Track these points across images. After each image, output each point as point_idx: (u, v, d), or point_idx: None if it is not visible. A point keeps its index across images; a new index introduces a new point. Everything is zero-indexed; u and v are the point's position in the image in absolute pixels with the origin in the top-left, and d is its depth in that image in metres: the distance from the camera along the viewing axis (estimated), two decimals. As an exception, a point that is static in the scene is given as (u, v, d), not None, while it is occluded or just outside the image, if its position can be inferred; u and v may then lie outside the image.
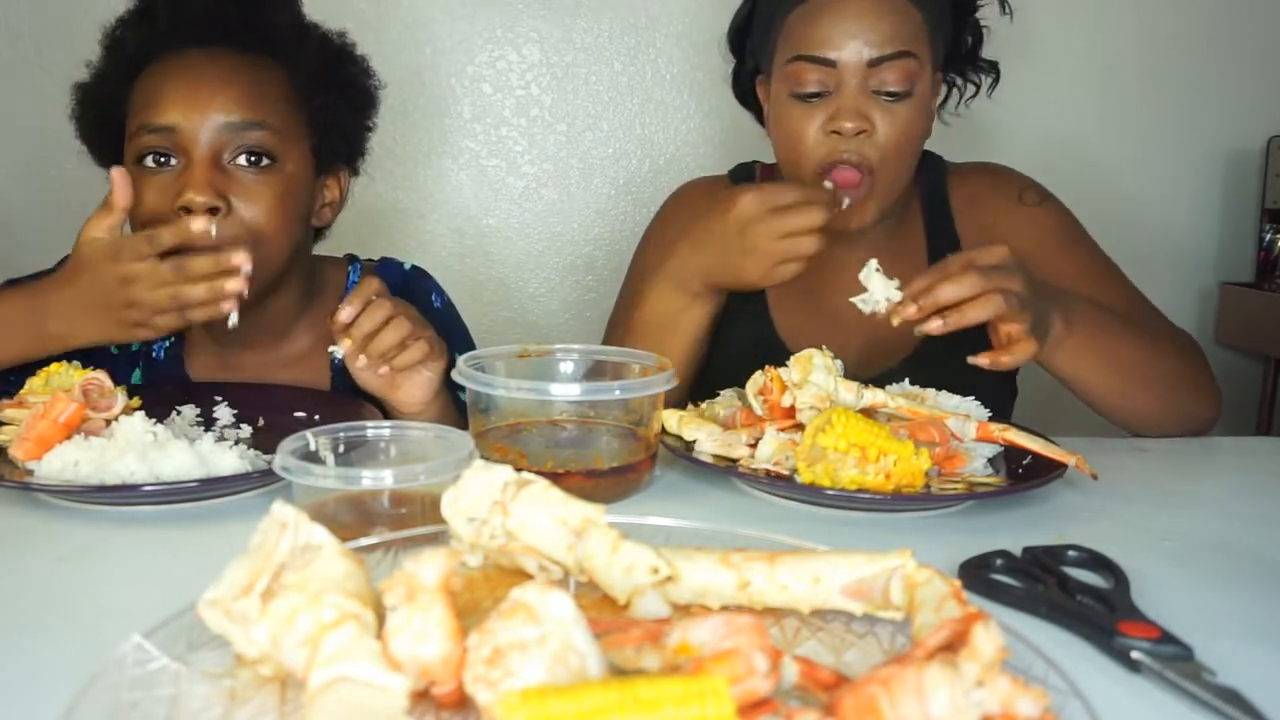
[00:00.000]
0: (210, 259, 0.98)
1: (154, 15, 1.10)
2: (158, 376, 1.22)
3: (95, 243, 0.99)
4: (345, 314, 0.98)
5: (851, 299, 0.96)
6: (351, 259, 1.31)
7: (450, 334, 1.26)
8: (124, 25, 1.13)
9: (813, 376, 0.94)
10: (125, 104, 1.10)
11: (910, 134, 1.14)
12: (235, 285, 0.98)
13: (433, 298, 1.31)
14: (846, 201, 1.11)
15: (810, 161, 1.14)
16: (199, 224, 0.98)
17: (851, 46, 1.10)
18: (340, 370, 1.18)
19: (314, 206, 1.17)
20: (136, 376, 1.22)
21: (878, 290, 0.94)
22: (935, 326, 0.91)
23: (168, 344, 1.22)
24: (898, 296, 0.93)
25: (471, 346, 1.31)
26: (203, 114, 1.04)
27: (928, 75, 1.15)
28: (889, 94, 1.11)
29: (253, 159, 1.06)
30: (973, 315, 0.90)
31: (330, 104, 1.14)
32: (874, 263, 0.95)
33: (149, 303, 0.98)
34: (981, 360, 0.94)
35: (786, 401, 0.95)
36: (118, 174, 1.01)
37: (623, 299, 1.38)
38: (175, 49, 1.08)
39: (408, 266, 1.32)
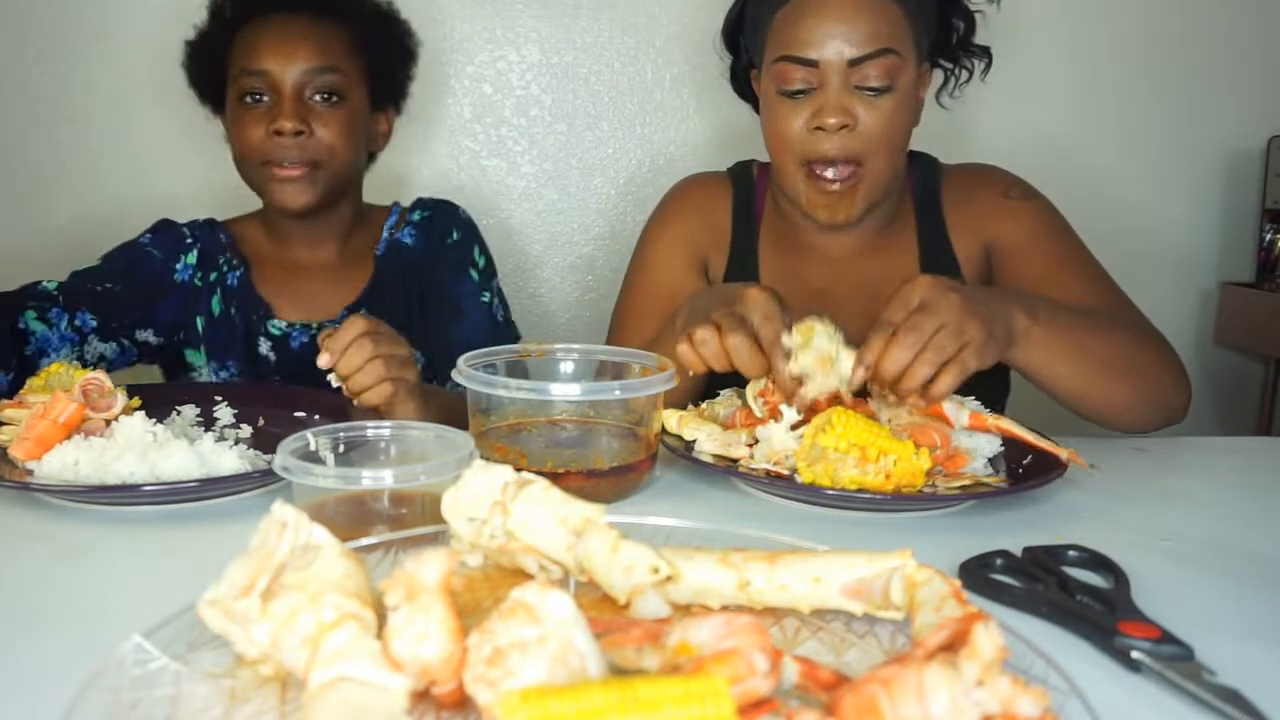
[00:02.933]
0: None
1: None
2: (233, 297, 1.41)
3: None
4: (323, 361, 1.03)
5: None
6: (396, 204, 1.53)
7: (474, 232, 1.53)
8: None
9: (814, 340, 0.93)
10: (226, 56, 1.36)
11: (894, 126, 1.17)
12: None
13: (458, 213, 1.53)
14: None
15: (795, 155, 1.18)
16: None
17: (832, 46, 1.13)
18: (380, 260, 1.46)
19: (371, 133, 1.43)
20: (217, 304, 1.41)
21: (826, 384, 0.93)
22: (893, 399, 0.93)
23: (239, 271, 1.42)
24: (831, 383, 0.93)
25: (486, 247, 1.53)
26: (290, 60, 1.31)
27: (911, 69, 1.17)
28: (871, 89, 1.14)
29: (326, 96, 1.32)
30: (913, 380, 0.89)
31: (381, 56, 1.42)
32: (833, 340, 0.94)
33: None
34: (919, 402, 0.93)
35: (792, 367, 0.94)
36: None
37: (623, 295, 1.39)
38: (265, 13, 1.35)
39: (461, 214, 1.54)
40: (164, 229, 1.44)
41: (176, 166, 2.01)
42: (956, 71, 1.31)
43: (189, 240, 1.43)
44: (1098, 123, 2.14)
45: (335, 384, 1.05)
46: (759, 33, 1.22)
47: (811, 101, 1.16)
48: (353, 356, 1.04)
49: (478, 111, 2.06)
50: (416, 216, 1.51)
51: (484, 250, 1.53)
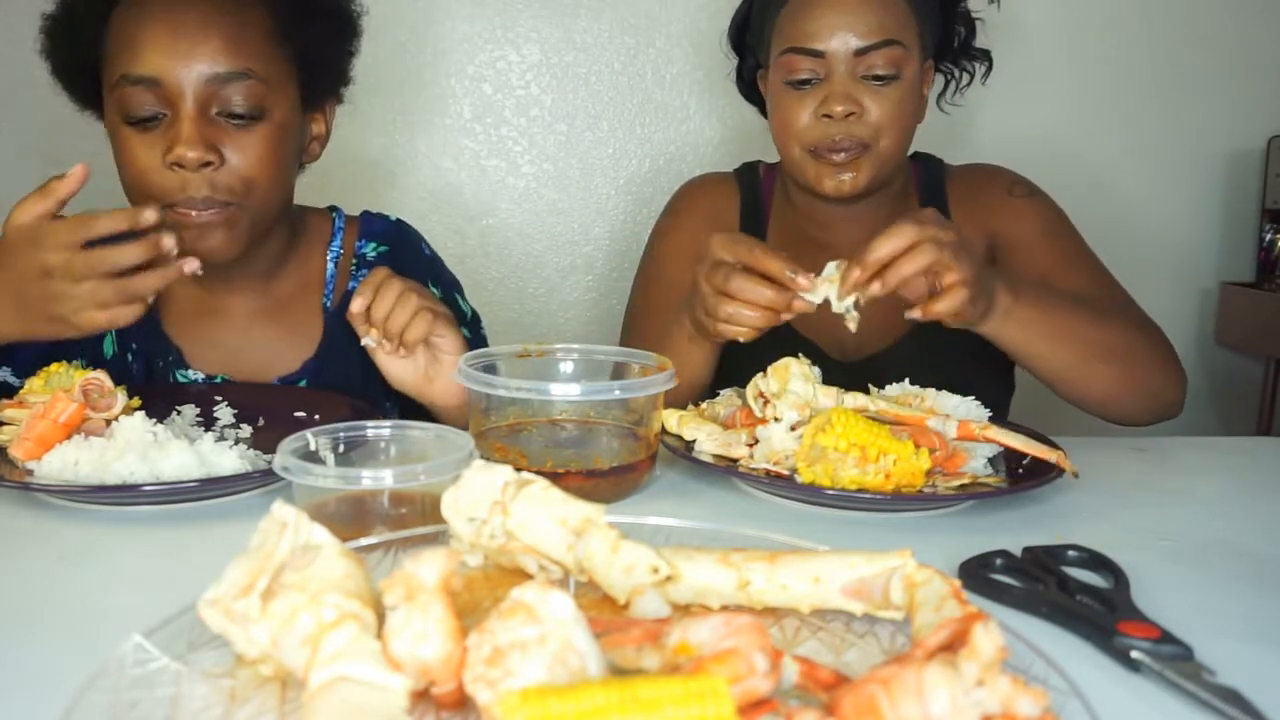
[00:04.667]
0: (138, 247, 0.91)
1: None
2: (133, 337, 1.16)
3: (21, 229, 0.91)
4: (358, 304, 0.98)
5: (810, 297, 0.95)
6: (333, 209, 1.29)
7: (439, 278, 1.28)
8: None
9: (791, 385, 0.94)
10: (99, 43, 1.05)
11: (900, 112, 1.19)
12: (153, 282, 0.91)
13: (422, 246, 1.32)
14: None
15: (803, 143, 1.20)
16: (149, 215, 0.92)
17: (839, 38, 1.16)
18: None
19: (303, 144, 1.15)
20: (109, 345, 1.17)
21: (814, 296, 0.94)
22: (875, 289, 0.92)
23: None
24: (827, 294, 0.94)
25: (459, 289, 1.32)
26: (187, 65, 1.00)
27: (915, 61, 1.20)
28: (877, 77, 1.17)
29: (239, 109, 1.03)
30: (907, 268, 0.91)
31: (315, 38, 1.10)
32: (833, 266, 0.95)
33: (68, 297, 0.90)
34: (915, 313, 0.94)
35: (770, 412, 0.95)
36: (80, 167, 0.93)
37: (635, 296, 1.40)
38: None
39: (392, 218, 1.31)
40: None
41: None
42: (958, 75, 1.33)
43: None
44: (1097, 123, 2.14)
45: (371, 340, 1.00)
46: (765, 30, 1.24)
47: (818, 91, 1.18)
48: (385, 294, 0.98)
49: (478, 111, 2.06)
50: (371, 253, 1.25)
51: (461, 292, 1.30)
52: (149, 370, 1.16)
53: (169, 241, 0.93)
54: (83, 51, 1.06)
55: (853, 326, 0.95)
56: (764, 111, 1.34)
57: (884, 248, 0.92)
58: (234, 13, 1.03)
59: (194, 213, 1.02)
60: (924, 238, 0.91)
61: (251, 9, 1.05)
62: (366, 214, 1.30)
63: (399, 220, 1.31)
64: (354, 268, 1.24)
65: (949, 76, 1.33)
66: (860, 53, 1.16)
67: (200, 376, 1.17)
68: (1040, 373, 1.07)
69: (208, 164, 1.01)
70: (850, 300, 0.93)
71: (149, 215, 0.92)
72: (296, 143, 1.12)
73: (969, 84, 1.34)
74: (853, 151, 1.18)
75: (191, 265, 0.94)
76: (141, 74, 1.00)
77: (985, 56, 1.32)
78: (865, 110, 1.17)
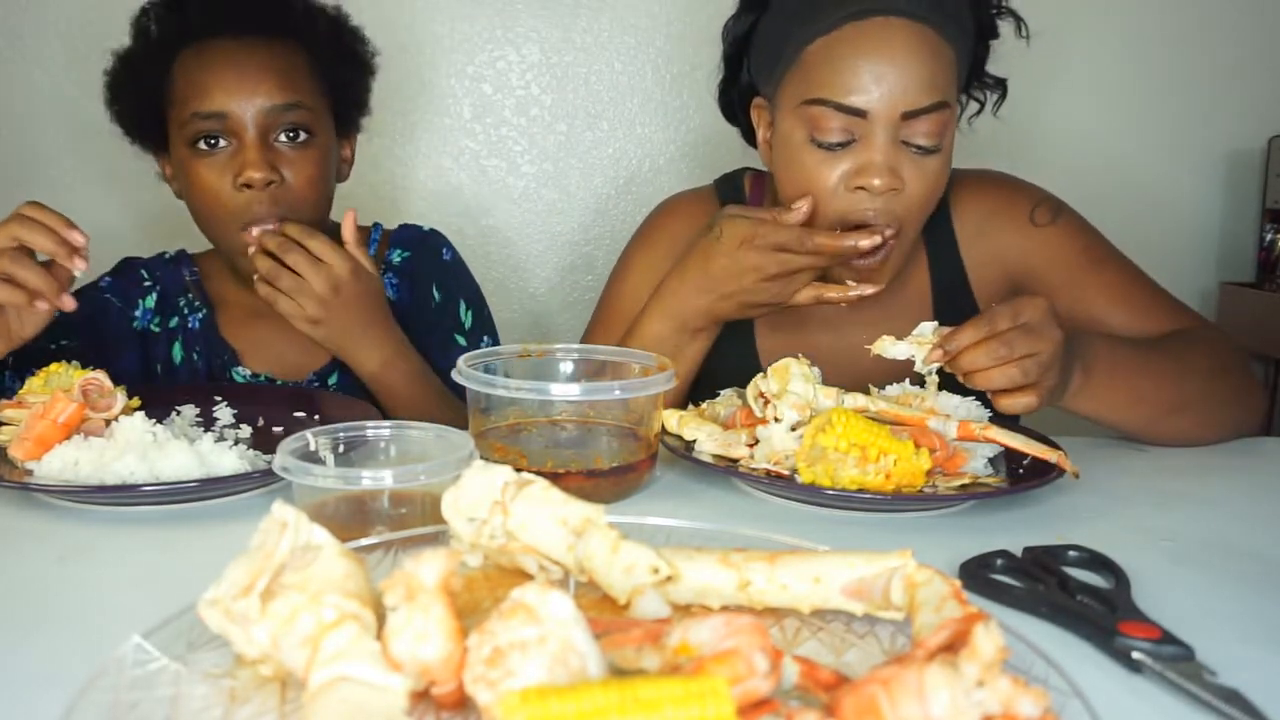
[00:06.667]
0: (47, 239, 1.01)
1: (184, 5, 1.19)
2: (197, 341, 1.31)
3: None
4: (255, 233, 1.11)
5: (874, 349, 0.93)
6: (375, 225, 1.43)
7: (443, 283, 1.38)
8: (153, 14, 1.21)
9: (791, 385, 0.94)
10: (162, 90, 1.19)
11: (938, 187, 1.06)
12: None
13: (443, 250, 1.42)
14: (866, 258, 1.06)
15: (829, 213, 1.05)
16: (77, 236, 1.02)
17: (884, 95, 0.99)
18: None
19: (338, 165, 1.29)
20: (178, 350, 1.31)
21: (901, 350, 0.93)
22: (959, 378, 0.91)
23: (201, 314, 1.32)
24: (914, 353, 0.92)
25: (469, 298, 1.40)
26: (250, 100, 1.15)
27: (954, 120, 1.07)
28: (919, 147, 1.03)
29: (292, 135, 1.18)
30: (986, 383, 0.89)
31: (344, 75, 1.27)
32: (928, 328, 0.93)
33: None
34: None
35: (770, 412, 0.95)
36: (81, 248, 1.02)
37: (601, 313, 1.33)
38: (206, 37, 1.17)
39: (426, 228, 1.44)
40: (124, 270, 1.34)
41: (97, 194, 1.92)
42: (964, 102, 1.17)
43: (147, 283, 1.33)
44: (1097, 123, 2.14)
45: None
46: (780, 61, 1.08)
47: (852, 155, 1.03)
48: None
49: (478, 111, 2.06)
50: (396, 259, 1.38)
51: (471, 301, 1.39)
52: (210, 370, 1.31)
53: (80, 265, 1.03)
54: (147, 97, 1.20)
55: (932, 390, 0.97)
56: (746, 136, 1.22)
57: (974, 360, 0.87)
58: (282, 54, 1.19)
59: (261, 226, 1.16)
60: (1014, 358, 0.87)
61: (295, 51, 1.21)
62: (404, 226, 1.43)
63: (432, 230, 1.43)
64: (383, 271, 1.34)
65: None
66: (908, 116, 1.00)
67: (248, 373, 1.30)
68: (1110, 429, 1.07)
69: (271, 183, 1.15)
70: (935, 366, 0.91)
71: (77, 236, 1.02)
72: (335, 164, 1.27)
73: (979, 113, 1.18)
74: (882, 250, 1.05)
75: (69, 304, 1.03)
76: (211, 110, 1.15)
77: (1000, 85, 1.17)
78: (905, 184, 1.02)
